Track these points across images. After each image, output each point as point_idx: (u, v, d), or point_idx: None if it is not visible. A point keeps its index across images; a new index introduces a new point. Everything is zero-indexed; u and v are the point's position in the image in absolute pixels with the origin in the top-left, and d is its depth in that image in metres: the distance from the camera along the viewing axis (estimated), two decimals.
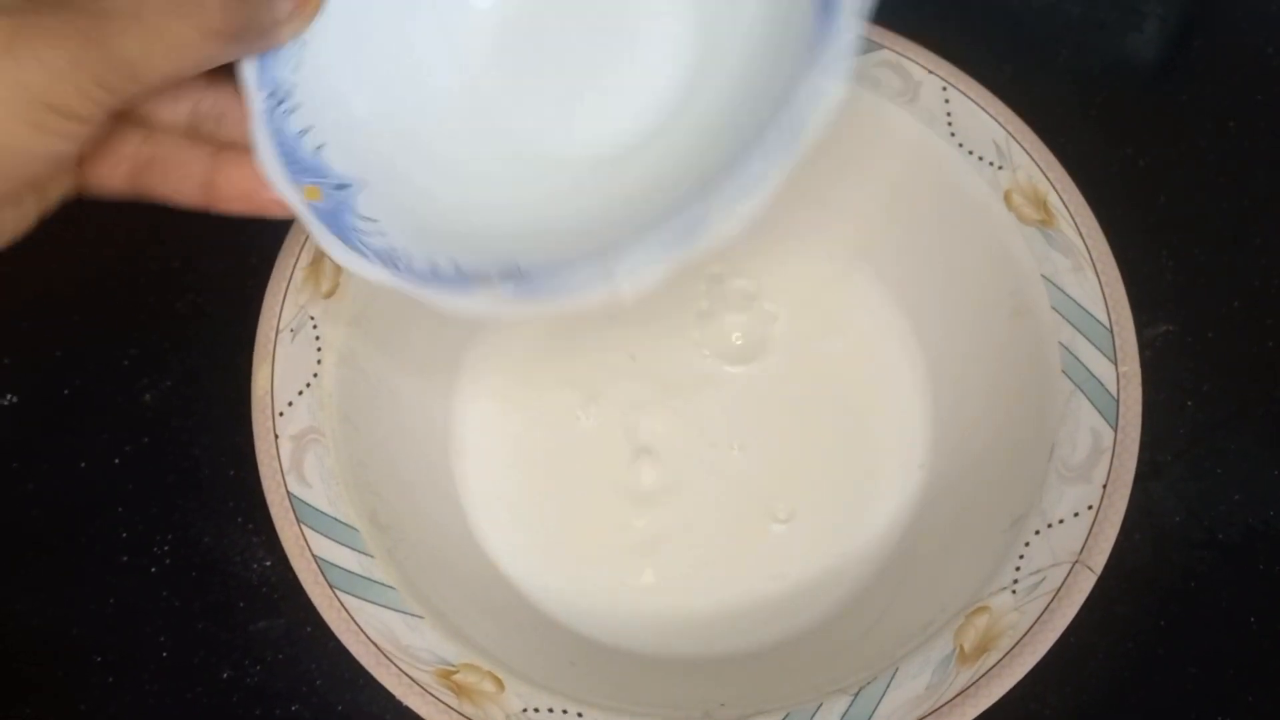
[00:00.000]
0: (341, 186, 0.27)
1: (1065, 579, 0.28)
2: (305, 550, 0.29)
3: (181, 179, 0.26)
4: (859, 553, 0.35)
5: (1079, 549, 0.29)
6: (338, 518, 0.30)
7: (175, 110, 0.27)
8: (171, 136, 0.27)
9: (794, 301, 0.39)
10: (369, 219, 0.26)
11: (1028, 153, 0.33)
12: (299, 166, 0.26)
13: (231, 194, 0.26)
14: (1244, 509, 0.37)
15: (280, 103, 0.26)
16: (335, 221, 0.26)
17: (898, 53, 0.35)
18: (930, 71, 0.35)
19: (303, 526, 0.30)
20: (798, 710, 0.28)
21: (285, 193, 0.25)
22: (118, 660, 0.36)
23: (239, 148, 0.26)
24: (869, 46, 0.35)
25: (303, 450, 0.31)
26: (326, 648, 0.36)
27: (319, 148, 0.27)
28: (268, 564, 0.37)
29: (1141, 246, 0.40)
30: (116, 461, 0.38)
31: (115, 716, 0.35)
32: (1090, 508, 0.29)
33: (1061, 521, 0.29)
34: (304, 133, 0.26)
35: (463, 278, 0.25)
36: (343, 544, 0.30)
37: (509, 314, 0.26)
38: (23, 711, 0.35)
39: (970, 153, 0.34)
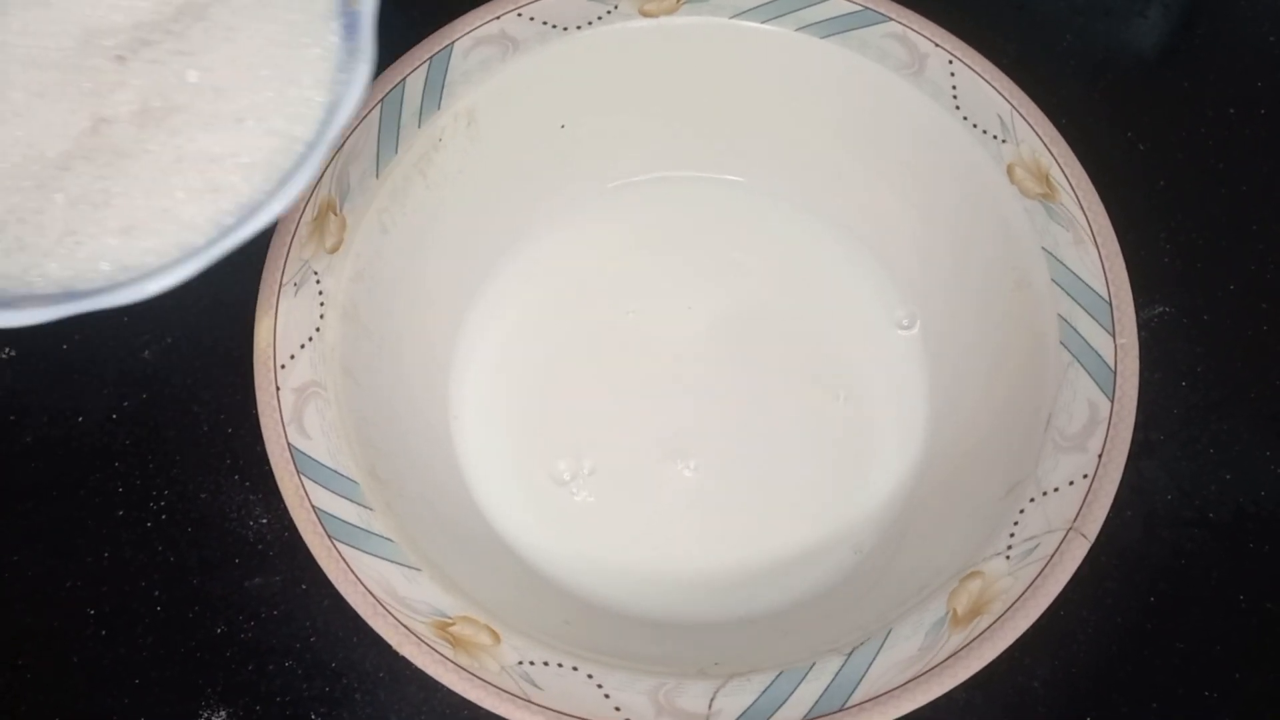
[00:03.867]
0: None
1: (1059, 546, 0.29)
2: (304, 500, 0.29)
3: None
4: (856, 520, 0.35)
5: (1073, 516, 0.29)
6: (337, 470, 0.30)
7: None
8: None
9: (793, 271, 0.39)
10: None
11: (1031, 127, 0.34)
12: None
13: None
14: (1235, 489, 0.37)
15: None
16: None
17: (904, 25, 0.35)
18: (937, 45, 0.35)
19: (302, 477, 0.30)
20: (791, 669, 0.28)
21: None
22: (111, 613, 0.36)
23: None
24: (876, 18, 0.35)
25: (304, 403, 0.31)
26: (321, 605, 0.36)
27: None
28: (264, 521, 0.37)
29: (1140, 229, 0.40)
30: (114, 416, 0.38)
31: (108, 669, 0.35)
32: (1085, 476, 0.29)
33: (1056, 490, 0.29)
34: None
35: None
36: (342, 496, 0.30)
37: None
38: (15, 662, 0.35)
39: (974, 126, 0.34)
